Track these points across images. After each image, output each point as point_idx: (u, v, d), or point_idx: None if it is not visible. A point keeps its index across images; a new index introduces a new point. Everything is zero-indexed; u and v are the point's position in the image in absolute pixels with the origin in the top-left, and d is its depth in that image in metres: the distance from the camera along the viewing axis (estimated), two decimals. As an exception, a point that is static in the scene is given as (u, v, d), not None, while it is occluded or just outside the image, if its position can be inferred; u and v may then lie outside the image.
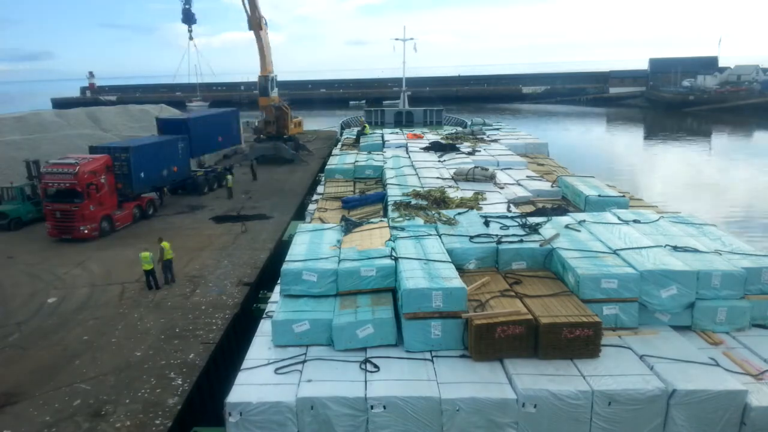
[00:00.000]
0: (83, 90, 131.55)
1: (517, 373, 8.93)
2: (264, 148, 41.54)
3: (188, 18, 38.81)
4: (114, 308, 16.43)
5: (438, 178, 20.87)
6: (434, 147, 28.01)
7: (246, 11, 38.27)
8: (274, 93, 41.36)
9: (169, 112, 50.94)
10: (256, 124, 43.02)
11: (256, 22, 38.35)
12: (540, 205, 17.65)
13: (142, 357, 13.57)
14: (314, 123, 75.23)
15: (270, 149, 41.20)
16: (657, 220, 13.61)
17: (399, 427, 8.57)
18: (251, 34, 39.12)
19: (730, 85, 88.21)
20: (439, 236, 12.73)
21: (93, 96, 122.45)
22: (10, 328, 15.39)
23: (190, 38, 39.04)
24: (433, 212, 15.19)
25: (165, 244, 18.34)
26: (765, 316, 10.58)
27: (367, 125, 38.33)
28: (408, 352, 9.78)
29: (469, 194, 18.22)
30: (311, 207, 19.93)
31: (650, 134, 71.31)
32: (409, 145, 29.37)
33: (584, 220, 13.55)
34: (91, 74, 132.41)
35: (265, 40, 39.21)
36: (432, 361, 9.53)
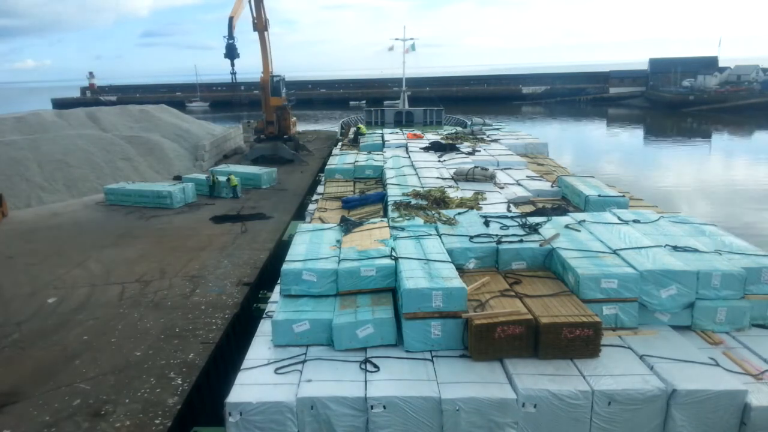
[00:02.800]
0: (83, 90, 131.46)
1: (517, 373, 8.94)
2: (264, 149, 41.29)
3: (231, 53, 37.73)
4: (114, 308, 16.41)
5: (438, 178, 20.88)
6: (434, 147, 28.03)
7: (251, 12, 37.99)
8: (284, 93, 41.21)
9: (169, 113, 50.93)
10: (256, 124, 42.59)
11: (261, 24, 38.18)
12: (540, 205, 17.66)
13: (142, 357, 13.57)
14: (314, 123, 75.36)
15: (270, 149, 40.93)
16: (657, 220, 13.62)
17: (399, 427, 8.58)
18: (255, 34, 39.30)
19: (730, 85, 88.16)
20: (439, 236, 12.74)
21: (93, 96, 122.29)
22: (10, 328, 15.38)
23: (233, 72, 39.04)
24: (433, 212, 15.19)
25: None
26: (765, 316, 10.60)
27: (361, 126, 38.56)
28: (408, 352, 9.79)
29: (469, 194, 18.23)
30: (311, 207, 19.94)
31: (650, 134, 71.35)
32: (409, 145, 29.39)
33: (584, 220, 13.55)
34: (91, 74, 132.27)
35: (268, 41, 39.02)
36: (432, 361, 9.54)
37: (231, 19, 36.21)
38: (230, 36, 36.70)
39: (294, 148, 42.20)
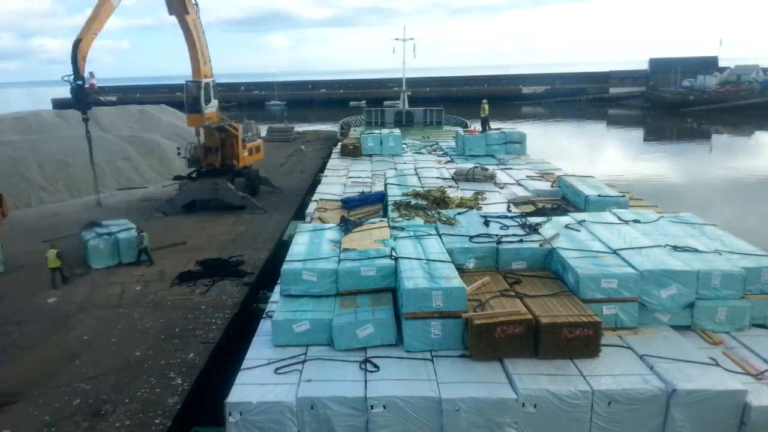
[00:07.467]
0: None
1: (517, 373, 8.95)
2: (199, 190, 27.04)
3: (80, 97, 27.27)
4: (114, 308, 16.42)
5: (438, 178, 20.90)
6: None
7: None
8: (212, 107, 26.58)
9: (169, 113, 50.97)
10: (192, 151, 28.15)
11: (179, 1, 24.82)
12: (540, 205, 17.67)
13: (142, 357, 13.57)
14: (314, 123, 75.47)
15: (208, 191, 26.86)
16: (657, 220, 13.62)
17: (399, 427, 8.58)
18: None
19: (730, 85, 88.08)
20: (439, 236, 12.74)
21: (93, 96, 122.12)
22: (10, 328, 15.39)
23: (85, 119, 29.58)
24: (433, 212, 15.20)
25: (51, 252, 17.74)
26: (765, 316, 10.61)
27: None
28: (408, 351, 9.79)
29: (469, 194, 18.27)
30: (311, 207, 19.94)
31: (650, 134, 71.37)
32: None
33: (584, 220, 13.56)
34: (92, 74, 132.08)
35: (197, 29, 25.85)
36: (432, 360, 9.55)
37: (76, 46, 23.39)
38: (76, 75, 24.89)
39: (248, 186, 28.71)
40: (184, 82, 26.87)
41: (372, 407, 8.52)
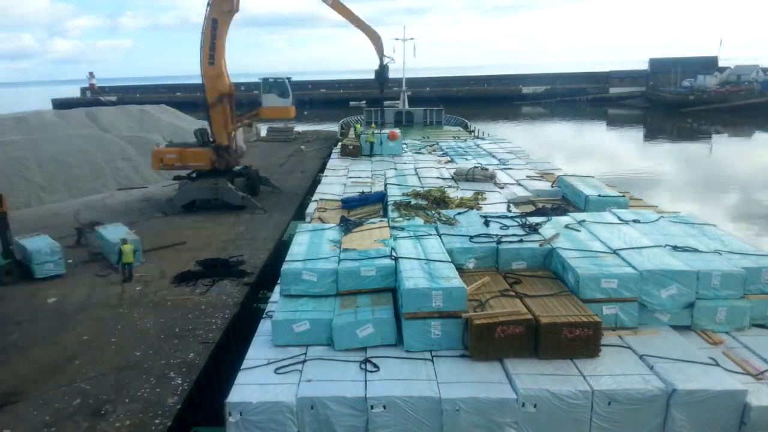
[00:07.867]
0: (83, 90, 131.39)
1: (517, 373, 8.95)
2: (199, 190, 26.91)
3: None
4: (114, 308, 16.42)
5: (438, 178, 20.91)
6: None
7: None
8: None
9: (169, 113, 51.01)
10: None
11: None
12: (540, 205, 17.67)
13: (142, 357, 13.57)
14: (314, 123, 75.52)
15: (208, 191, 26.75)
16: (657, 220, 13.63)
17: (399, 427, 8.59)
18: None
19: (730, 85, 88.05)
20: (439, 236, 12.75)
21: (93, 96, 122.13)
22: (10, 328, 15.39)
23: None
24: (433, 212, 15.20)
25: (125, 247, 18.36)
26: (765, 316, 10.62)
27: (357, 125, 36.69)
28: (408, 351, 9.80)
29: (469, 194, 18.28)
30: (311, 207, 19.94)
31: (650, 134, 71.37)
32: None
33: (584, 220, 13.56)
34: (92, 75, 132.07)
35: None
36: (432, 360, 9.55)
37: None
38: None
39: (248, 186, 28.71)
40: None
41: (372, 407, 8.53)
